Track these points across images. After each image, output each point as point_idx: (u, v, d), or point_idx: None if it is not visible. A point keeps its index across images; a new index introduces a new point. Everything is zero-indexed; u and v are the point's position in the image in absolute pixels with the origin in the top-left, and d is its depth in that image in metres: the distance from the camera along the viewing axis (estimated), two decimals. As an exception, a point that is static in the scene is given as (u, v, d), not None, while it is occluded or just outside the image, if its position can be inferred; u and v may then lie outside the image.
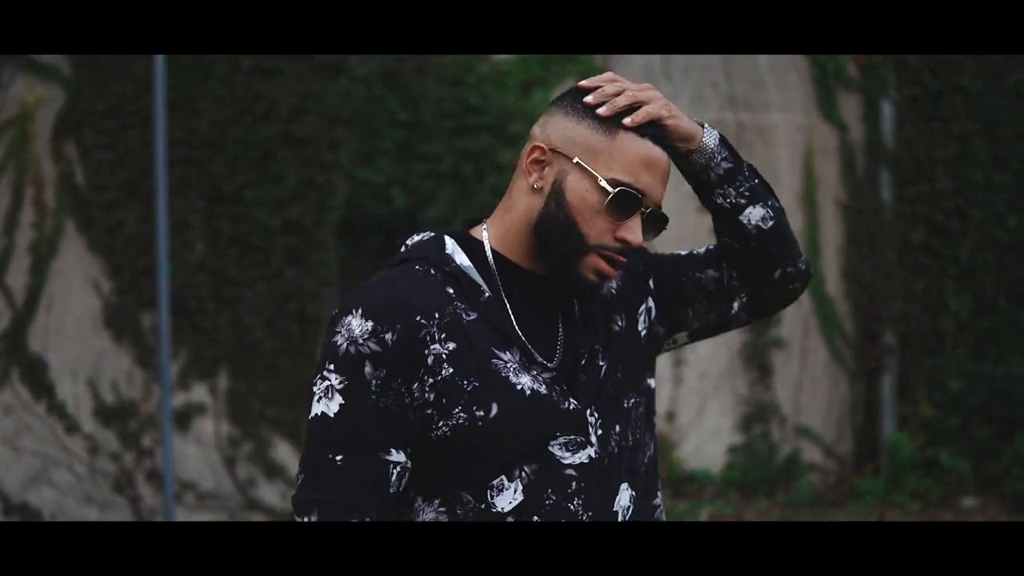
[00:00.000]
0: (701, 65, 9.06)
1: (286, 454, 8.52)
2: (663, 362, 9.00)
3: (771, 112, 9.27)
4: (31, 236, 8.35)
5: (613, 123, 2.18)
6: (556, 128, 2.22)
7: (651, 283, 2.37)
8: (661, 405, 9.00)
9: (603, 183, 2.16)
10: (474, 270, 2.19)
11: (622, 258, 2.19)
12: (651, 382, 2.34)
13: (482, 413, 2.11)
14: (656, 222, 2.21)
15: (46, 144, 8.35)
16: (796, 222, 9.33)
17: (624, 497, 2.24)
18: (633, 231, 2.17)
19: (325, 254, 8.54)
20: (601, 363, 2.24)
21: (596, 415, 2.20)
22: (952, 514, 8.56)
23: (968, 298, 9.47)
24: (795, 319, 9.25)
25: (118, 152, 8.37)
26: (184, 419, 8.40)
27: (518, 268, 2.21)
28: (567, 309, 2.27)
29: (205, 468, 8.45)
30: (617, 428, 2.23)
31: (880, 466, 9.18)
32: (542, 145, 2.21)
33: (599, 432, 2.20)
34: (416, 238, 2.29)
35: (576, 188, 2.17)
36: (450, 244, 2.22)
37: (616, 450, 2.22)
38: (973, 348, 9.44)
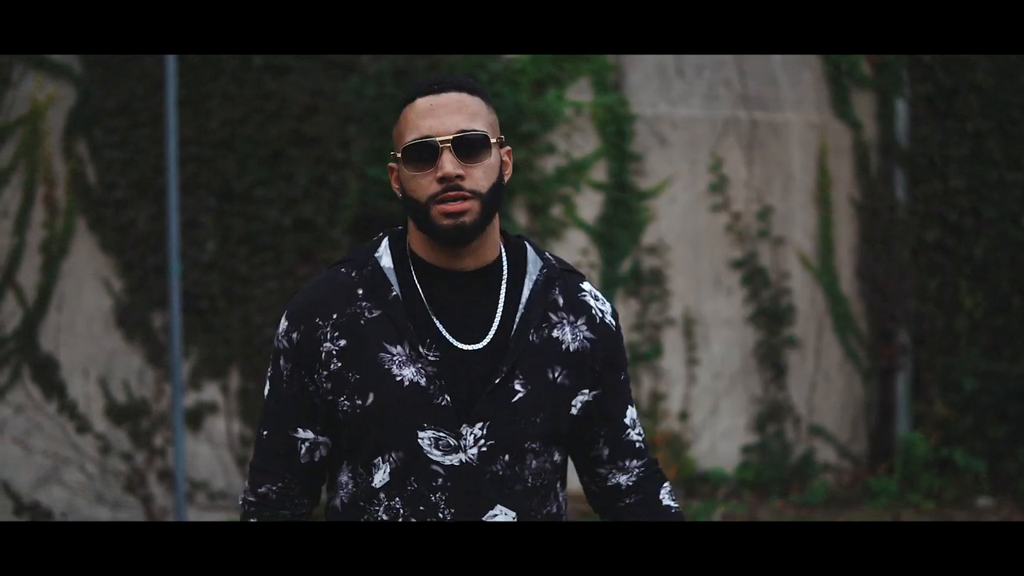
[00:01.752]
0: (714, 63, 9.03)
1: (298, 453, 8.50)
2: (677, 361, 8.98)
3: (784, 110, 9.24)
4: (42, 235, 8.34)
5: (401, 106, 2.45)
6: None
7: (600, 388, 2.53)
8: (675, 405, 8.98)
9: (398, 155, 2.44)
10: (392, 271, 2.46)
11: (453, 192, 2.37)
12: (559, 458, 2.50)
13: (360, 401, 2.40)
14: (467, 144, 2.39)
15: (57, 143, 8.34)
16: (810, 221, 9.30)
17: (500, 517, 2.40)
18: (442, 167, 2.37)
19: (337, 252, 8.52)
20: (519, 389, 2.42)
21: (484, 430, 2.39)
22: (967, 514, 8.52)
23: (982, 296, 9.43)
24: (809, 318, 9.23)
25: (129, 151, 8.36)
26: (196, 418, 8.39)
27: (433, 267, 2.45)
28: (510, 318, 2.45)
29: (217, 467, 8.44)
30: (507, 458, 2.41)
31: (894, 466, 9.15)
32: (391, 164, 2.50)
33: (483, 447, 2.39)
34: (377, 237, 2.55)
35: (401, 174, 2.45)
36: (383, 246, 2.49)
37: (501, 475, 2.40)
38: (987, 347, 9.41)
